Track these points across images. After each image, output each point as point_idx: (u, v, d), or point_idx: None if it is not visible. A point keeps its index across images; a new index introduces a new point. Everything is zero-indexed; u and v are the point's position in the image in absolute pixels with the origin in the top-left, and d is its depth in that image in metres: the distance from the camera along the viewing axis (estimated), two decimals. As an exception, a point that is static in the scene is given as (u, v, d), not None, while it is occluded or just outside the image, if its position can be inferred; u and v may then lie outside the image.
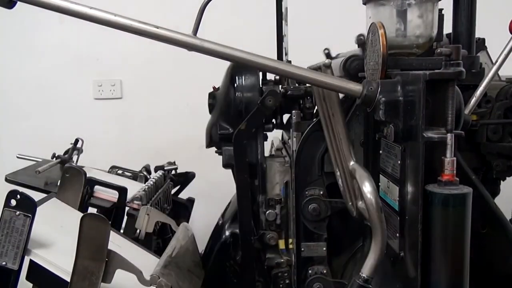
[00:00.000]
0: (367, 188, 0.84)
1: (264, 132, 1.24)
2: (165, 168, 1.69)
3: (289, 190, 1.16)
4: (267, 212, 1.19)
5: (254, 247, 1.21)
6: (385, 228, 0.83)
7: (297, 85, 1.23)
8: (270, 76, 1.30)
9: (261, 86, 1.23)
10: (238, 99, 1.20)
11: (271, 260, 1.21)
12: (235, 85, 1.21)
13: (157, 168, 1.69)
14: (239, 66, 1.22)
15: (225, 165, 1.22)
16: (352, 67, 1.02)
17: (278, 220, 1.20)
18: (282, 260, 1.20)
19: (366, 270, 0.82)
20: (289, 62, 1.31)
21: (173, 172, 1.73)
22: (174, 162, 1.74)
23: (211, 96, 1.31)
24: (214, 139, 1.25)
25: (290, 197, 1.16)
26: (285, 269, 1.20)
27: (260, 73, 1.27)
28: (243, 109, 1.19)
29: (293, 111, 1.14)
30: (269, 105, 1.14)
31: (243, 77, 1.21)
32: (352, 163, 0.95)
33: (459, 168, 0.78)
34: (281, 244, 1.21)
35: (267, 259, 1.21)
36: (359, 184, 0.87)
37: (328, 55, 1.11)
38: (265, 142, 1.25)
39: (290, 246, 1.18)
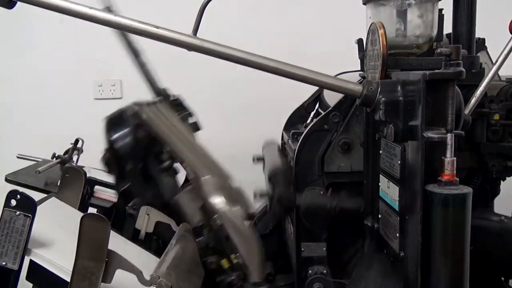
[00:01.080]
0: (216, 199, 0.81)
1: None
2: None
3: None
4: (197, 240, 1.13)
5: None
6: (248, 231, 0.80)
7: None
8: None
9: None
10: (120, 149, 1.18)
11: (223, 282, 1.16)
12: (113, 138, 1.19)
13: None
14: (112, 119, 1.24)
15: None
16: None
17: (211, 243, 1.13)
18: (233, 277, 1.12)
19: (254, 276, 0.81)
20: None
21: None
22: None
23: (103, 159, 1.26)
24: None
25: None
26: (240, 283, 1.13)
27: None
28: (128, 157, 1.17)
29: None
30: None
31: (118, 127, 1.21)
32: (202, 178, 0.92)
33: (459, 168, 0.78)
34: (225, 263, 1.10)
35: (219, 283, 1.12)
36: (208, 198, 0.84)
37: (360, 43, 1.09)
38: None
39: (235, 261, 1.08)
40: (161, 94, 1.26)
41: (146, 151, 1.17)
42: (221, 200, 0.80)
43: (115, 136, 1.19)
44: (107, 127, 1.21)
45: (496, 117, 1.06)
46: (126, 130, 1.20)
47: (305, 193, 1.10)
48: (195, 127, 1.46)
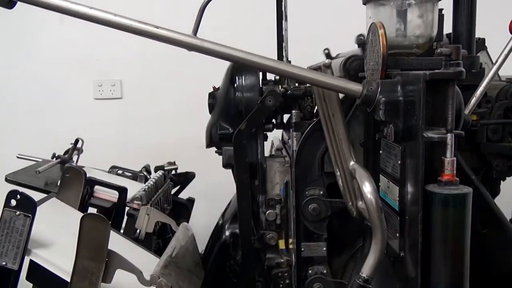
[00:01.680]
0: (367, 188, 0.84)
1: (264, 132, 1.24)
2: (165, 168, 1.69)
3: (289, 190, 1.16)
4: (267, 212, 1.19)
5: (254, 247, 1.21)
6: (385, 228, 0.83)
7: (297, 85, 1.23)
8: (270, 76, 1.30)
9: (261, 86, 1.23)
10: (238, 99, 1.20)
11: (271, 260, 1.21)
12: (235, 85, 1.21)
13: (157, 168, 1.69)
14: (239, 66, 1.22)
15: (225, 165, 1.22)
16: (352, 67, 1.02)
17: (278, 220, 1.20)
18: (282, 260, 1.20)
19: (366, 270, 0.82)
20: (289, 61, 1.31)
21: (173, 172, 1.73)
22: (174, 162, 1.74)
23: (211, 96, 1.31)
24: (214, 139, 1.25)
25: (290, 197, 1.16)
26: (285, 269, 1.20)
27: (260, 73, 1.26)
28: (243, 109, 1.19)
29: (293, 111, 1.14)
30: (269, 105, 1.14)
31: (243, 77, 1.21)
32: (352, 163, 0.95)
33: (459, 168, 0.78)
34: (281, 244, 1.21)
35: (267, 259, 1.21)
36: (359, 184, 0.87)
37: (328, 55, 1.11)
38: (265, 142, 1.24)
39: (290, 246, 1.18)
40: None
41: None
42: (372, 189, 0.83)
43: (242, 83, 1.21)
44: (233, 71, 1.22)
45: (473, 117, 1.07)
46: (254, 83, 1.21)
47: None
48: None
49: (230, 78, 1.23)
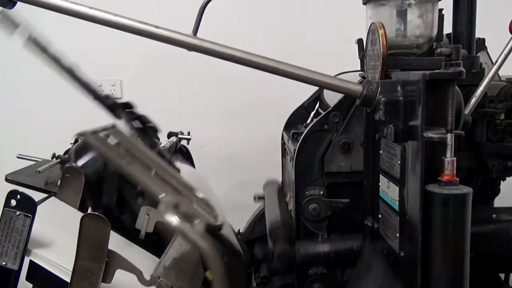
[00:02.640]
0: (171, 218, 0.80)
1: None
2: (179, 136, 1.66)
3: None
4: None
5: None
6: (205, 247, 0.79)
7: None
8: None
9: None
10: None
11: None
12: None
13: (170, 134, 1.67)
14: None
15: None
16: None
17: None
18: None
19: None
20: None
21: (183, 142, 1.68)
22: (189, 132, 1.69)
23: None
24: None
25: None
26: None
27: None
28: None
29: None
30: None
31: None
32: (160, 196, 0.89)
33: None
34: (209, 275, 1.12)
35: None
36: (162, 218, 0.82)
37: (360, 43, 1.07)
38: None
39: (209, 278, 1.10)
40: (101, 99, 1.21)
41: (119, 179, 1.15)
42: (175, 219, 0.79)
43: (81, 163, 1.17)
44: (74, 157, 1.20)
45: (502, 116, 1.06)
46: (92, 157, 1.17)
47: (298, 245, 1.11)
48: (154, 129, 1.45)
49: None
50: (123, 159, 0.94)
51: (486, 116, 1.07)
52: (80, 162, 1.14)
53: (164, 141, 1.58)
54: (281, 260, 1.12)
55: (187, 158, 1.71)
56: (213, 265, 0.78)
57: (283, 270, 1.15)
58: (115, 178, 1.15)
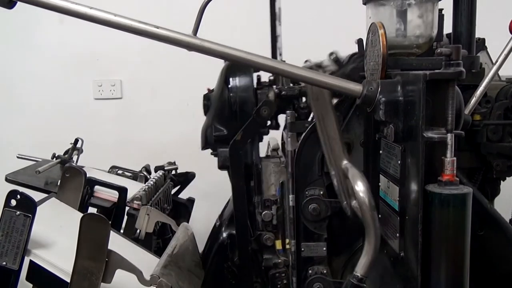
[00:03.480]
0: (359, 187, 0.84)
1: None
2: (165, 168, 1.69)
3: (285, 190, 1.16)
4: (263, 212, 1.19)
5: (251, 249, 1.21)
6: (378, 227, 0.82)
7: (291, 85, 1.23)
8: (264, 77, 1.29)
9: (255, 87, 1.23)
10: (232, 99, 1.20)
11: (268, 261, 1.21)
12: (229, 86, 1.21)
13: (157, 168, 1.69)
14: (233, 67, 1.22)
15: (221, 167, 1.22)
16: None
17: (274, 221, 1.20)
18: (279, 261, 1.20)
19: (360, 269, 0.82)
20: (283, 61, 1.30)
21: (173, 172, 1.73)
22: (174, 162, 1.74)
23: (206, 97, 1.31)
24: (209, 141, 1.25)
25: (286, 197, 1.16)
26: (282, 270, 1.20)
27: (255, 74, 1.26)
28: (238, 109, 1.19)
29: (288, 112, 1.14)
30: (264, 115, 1.14)
31: (237, 78, 1.21)
32: (344, 162, 0.94)
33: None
34: (278, 245, 1.21)
35: (264, 260, 1.21)
36: (352, 183, 0.86)
37: (336, 61, 1.10)
38: (261, 143, 1.24)
39: (287, 247, 1.18)
40: None
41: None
42: (364, 188, 0.83)
43: (236, 84, 1.20)
44: (227, 72, 1.22)
45: (477, 117, 1.07)
46: (249, 83, 1.21)
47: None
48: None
49: (224, 79, 1.23)
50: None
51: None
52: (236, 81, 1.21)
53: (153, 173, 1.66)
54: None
55: (179, 183, 1.76)
56: (371, 245, 0.82)
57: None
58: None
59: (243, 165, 1.18)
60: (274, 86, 1.22)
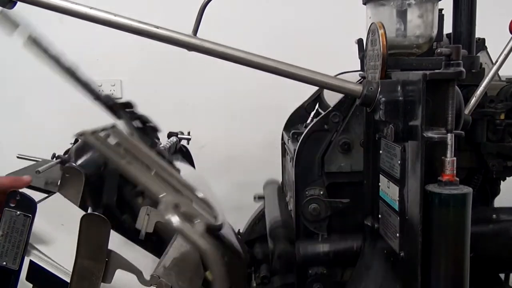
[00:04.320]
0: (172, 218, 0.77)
1: None
2: (179, 136, 1.66)
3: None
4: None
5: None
6: (206, 247, 0.77)
7: None
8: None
9: None
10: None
11: None
12: None
13: (170, 134, 1.67)
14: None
15: None
16: None
17: None
18: None
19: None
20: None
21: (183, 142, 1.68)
22: (189, 132, 1.68)
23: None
24: None
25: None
26: None
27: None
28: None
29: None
30: None
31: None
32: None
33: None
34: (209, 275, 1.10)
35: None
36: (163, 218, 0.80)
37: (360, 43, 1.06)
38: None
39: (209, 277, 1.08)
40: (101, 99, 1.20)
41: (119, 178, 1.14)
42: (175, 218, 0.77)
43: (81, 163, 1.17)
44: (74, 157, 1.19)
45: (502, 116, 1.06)
46: (92, 157, 1.17)
47: (298, 245, 1.10)
48: (154, 129, 1.43)
49: None
50: (123, 159, 0.94)
51: (486, 116, 1.07)
52: (80, 162, 1.14)
53: (164, 141, 1.58)
54: (281, 260, 1.12)
55: (187, 158, 1.71)
56: (213, 265, 0.78)
57: (283, 270, 1.15)
58: (115, 178, 1.15)
59: None
60: None
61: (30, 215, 0.94)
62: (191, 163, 1.72)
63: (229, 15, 2.18)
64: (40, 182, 1.51)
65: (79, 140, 1.29)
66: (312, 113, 1.39)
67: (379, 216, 0.99)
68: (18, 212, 0.94)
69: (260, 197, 1.55)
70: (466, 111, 0.97)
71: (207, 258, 0.78)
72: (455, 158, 0.77)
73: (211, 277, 0.83)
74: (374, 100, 0.84)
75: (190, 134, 1.68)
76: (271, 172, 1.65)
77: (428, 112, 0.78)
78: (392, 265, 0.93)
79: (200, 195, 0.99)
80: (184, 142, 1.69)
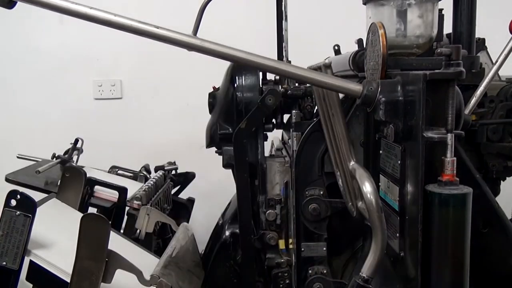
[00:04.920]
0: (367, 188, 0.84)
1: (264, 132, 1.24)
2: (165, 168, 1.69)
3: (289, 190, 1.16)
4: (267, 212, 1.19)
5: (254, 247, 1.21)
6: (385, 228, 0.83)
7: (297, 84, 1.23)
8: (270, 76, 1.30)
9: (261, 86, 1.23)
10: (238, 98, 1.20)
11: (271, 260, 1.21)
12: (235, 85, 1.21)
13: (157, 168, 1.69)
14: (239, 66, 1.22)
15: (225, 165, 1.22)
16: (361, 61, 1.02)
17: (278, 220, 1.20)
18: (282, 260, 1.20)
19: (366, 269, 0.82)
20: (289, 61, 1.31)
21: (173, 172, 1.73)
22: (174, 162, 1.74)
23: (211, 95, 1.31)
24: (214, 139, 1.25)
25: (290, 197, 1.16)
26: (285, 269, 1.20)
27: (261, 73, 1.26)
28: (243, 108, 1.19)
29: (293, 111, 1.14)
30: (269, 104, 1.14)
31: (243, 77, 1.21)
32: (352, 163, 0.95)
33: (460, 167, 0.78)
34: (281, 244, 1.21)
35: (267, 259, 1.21)
36: (359, 184, 0.87)
37: (337, 52, 1.10)
38: (265, 142, 1.24)
39: (290, 246, 1.18)
40: None
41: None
42: (372, 190, 0.83)
43: (242, 83, 1.20)
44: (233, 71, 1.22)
45: (473, 117, 1.07)
46: (254, 82, 1.21)
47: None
48: None
49: (230, 78, 1.23)
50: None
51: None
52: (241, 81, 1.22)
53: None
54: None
55: (179, 183, 1.76)
56: (378, 246, 0.82)
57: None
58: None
59: (248, 160, 1.18)
60: (280, 85, 1.23)
61: (30, 215, 0.95)
62: (182, 189, 1.78)
63: (229, 15, 2.18)
64: (40, 182, 1.51)
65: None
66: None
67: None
68: (18, 212, 0.94)
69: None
70: (466, 111, 0.97)
71: (379, 237, 0.82)
72: (455, 158, 0.77)
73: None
74: (374, 100, 0.84)
75: (176, 163, 1.75)
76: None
77: (428, 112, 0.77)
78: (392, 265, 0.93)
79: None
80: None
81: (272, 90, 1.14)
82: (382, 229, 0.82)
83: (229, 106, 1.21)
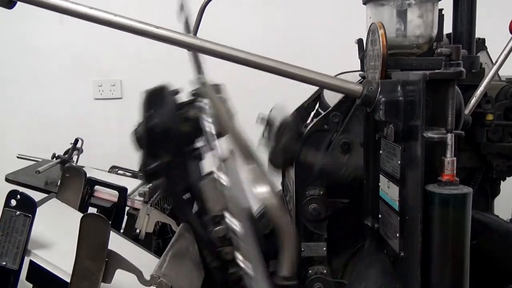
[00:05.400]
0: (261, 189, 0.79)
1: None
2: None
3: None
4: (215, 229, 1.14)
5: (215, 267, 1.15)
6: (289, 222, 0.80)
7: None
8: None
9: (178, 110, 1.18)
10: (155, 129, 1.14)
11: (235, 275, 1.17)
12: (149, 116, 1.16)
13: None
14: (149, 95, 1.20)
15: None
16: None
17: (228, 234, 1.14)
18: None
19: (284, 270, 0.80)
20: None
21: None
22: None
23: (135, 132, 1.22)
24: (145, 177, 1.18)
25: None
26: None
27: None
28: (163, 138, 1.13)
29: None
30: (186, 131, 1.10)
31: (155, 105, 1.18)
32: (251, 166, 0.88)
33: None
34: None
35: (230, 275, 1.17)
36: (252, 188, 0.81)
37: (360, 47, 1.06)
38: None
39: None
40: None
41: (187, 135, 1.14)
42: (267, 190, 0.78)
43: (154, 113, 1.16)
44: (146, 101, 1.20)
45: (490, 117, 1.07)
46: (168, 108, 1.18)
47: (321, 155, 1.08)
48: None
49: (144, 110, 1.17)
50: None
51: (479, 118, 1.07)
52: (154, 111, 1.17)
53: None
54: (285, 152, 1.10)
55: None
56: (288, 244, 0.79)
57: (281, 165, 1.18)
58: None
59: (182, 189, 1.12)
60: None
61: (30, 215, 0.95)
62: None
63: (229, 15, 2.18)
64: (40, 182, 1.51)
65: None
66: (312, 113, 1.39)
67: (379, 216, 0.99)
68: (18, 212, 0.94)
69: (263, 119, 1.49)
70: (466, 111, 0.97)
71: (286, 235, 0.79)
72: (455, 158, 0.77)
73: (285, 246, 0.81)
74: (374, 100, 0.84)
75: None
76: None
77: (428, 112, 0.77)
78: (392, 265, 0.93)
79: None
80: None
81: (186, 118, 1.11)
82: (286, 224, 0.79)
83: (149, 139, 1.15)
